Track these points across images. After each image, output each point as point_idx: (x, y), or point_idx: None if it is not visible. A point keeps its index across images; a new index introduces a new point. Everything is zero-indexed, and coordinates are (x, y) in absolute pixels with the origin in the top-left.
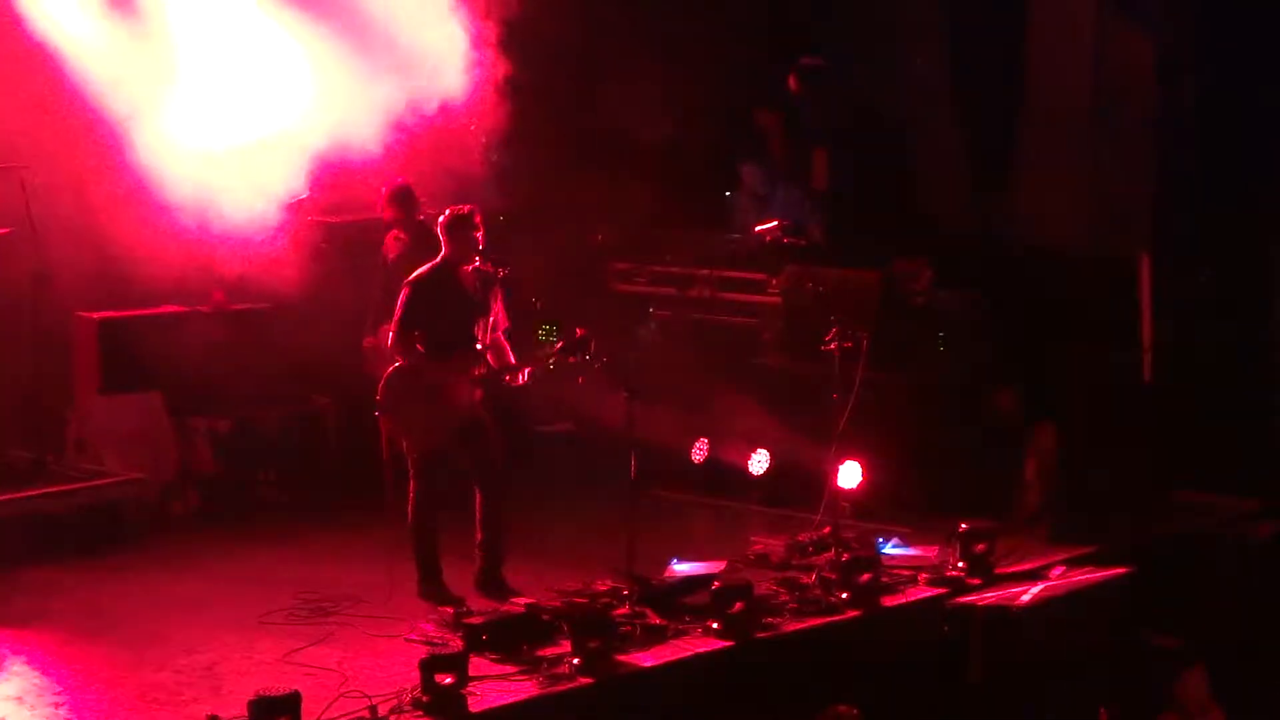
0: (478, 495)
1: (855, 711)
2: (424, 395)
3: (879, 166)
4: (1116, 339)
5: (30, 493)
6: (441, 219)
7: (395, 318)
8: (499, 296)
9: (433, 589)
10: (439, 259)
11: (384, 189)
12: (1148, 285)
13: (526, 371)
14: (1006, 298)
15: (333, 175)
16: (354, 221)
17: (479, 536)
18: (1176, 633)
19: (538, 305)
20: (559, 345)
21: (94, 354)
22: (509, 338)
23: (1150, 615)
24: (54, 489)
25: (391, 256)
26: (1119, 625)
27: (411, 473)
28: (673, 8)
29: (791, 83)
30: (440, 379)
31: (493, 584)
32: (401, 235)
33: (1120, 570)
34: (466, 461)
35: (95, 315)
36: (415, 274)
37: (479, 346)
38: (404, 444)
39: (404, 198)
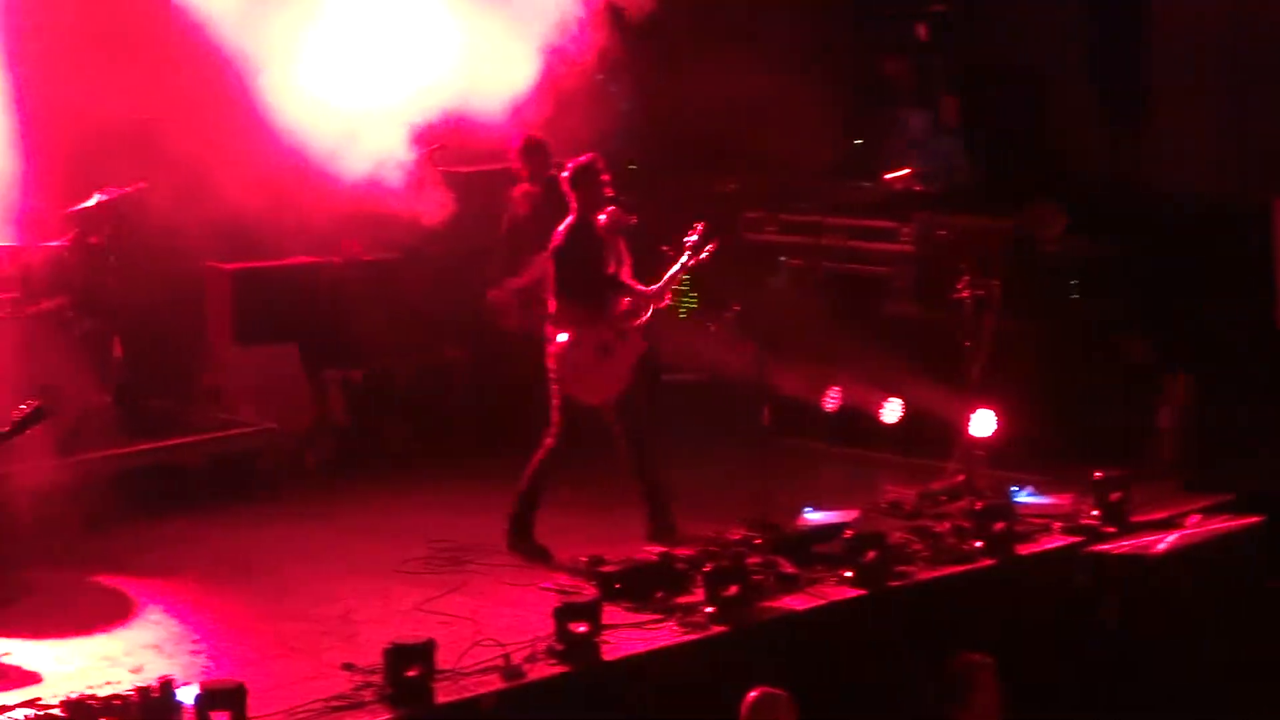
0: (628, 448)
1: (989, 660)
2: (594, 355)
3: (1010, 113)
4: (1250, 286)
5: (166, 443)
6: (566, 173)
7: (550, 289)
8: (622, 241)
9: (521, 541)
10: (571, 218)
11: (516, 141)
12: None
13: (666, 295)
14: (1140, 245)
15: (463, 126)
16: (484, 172)
17: (640, 487)
18: None
19: (669, 253)
20: (687, 244)
21: (228, 305)
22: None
23: None
24: (189, 439)
25: (521, 212)
26: (1253, 573)
27: (554, 425)
28: None
29: (920, 31)
30: (606, 337)
31: (666, 527)
32: (531, 189)
33: (1255, 519)
34: (616, 414)
35: (229, 266)
36: (556, 243)
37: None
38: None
39: (536, 150)
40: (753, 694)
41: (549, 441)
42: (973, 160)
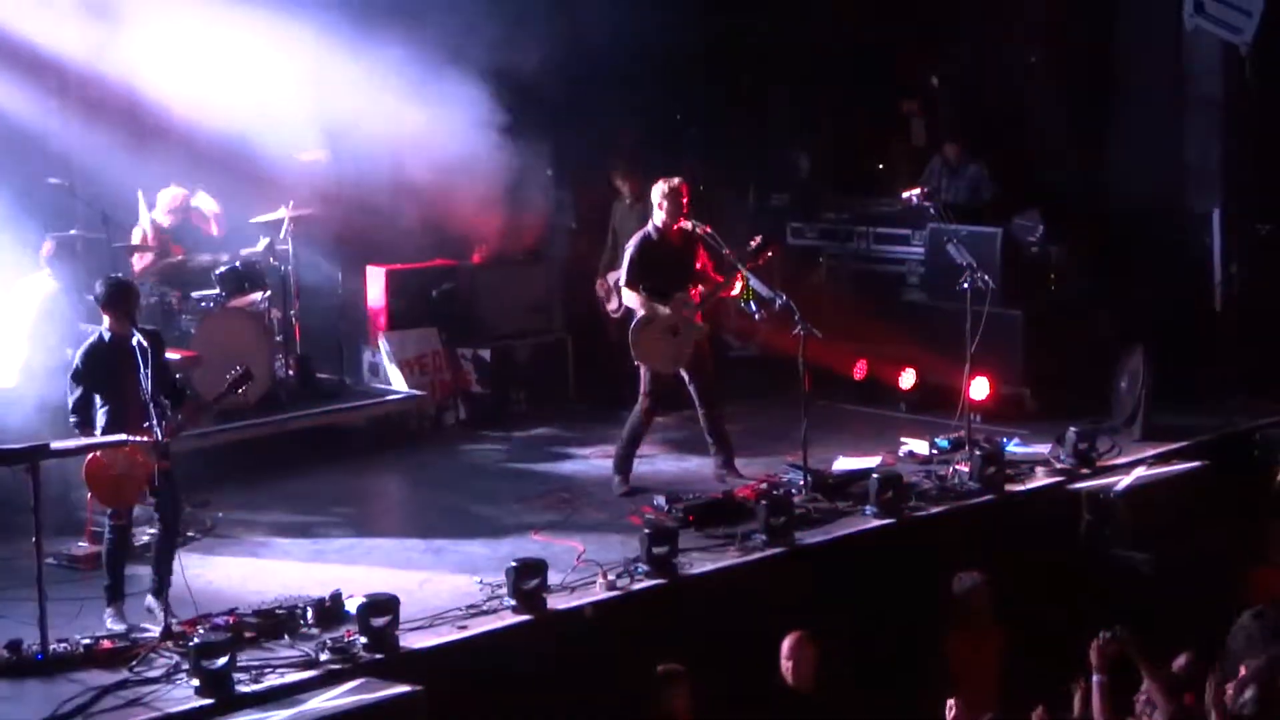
0: (701, 407)
1: (983, 577)
2: (662, 335)
3: (999, 145)
4: (1193, 275)
5: (336, 407)
6: (655, 191)
7: (624, 277)
8: (701, 246)
9: (620, 481)
10: (650, 225)
11: (611, 176)
12: (1218, 232)
13: (735, 284)
14: (1104, 244)
15: None
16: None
17: (711, 439)
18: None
19: (732, 256)
20: (750, 250)
21: (383, 297)
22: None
23: (1220, 500)
24: (354, 404)
25: (616, 223)
26: (1196, 507)
27: (643, 391)
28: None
29: (932, 79)
30: (671, 322)
31: (730, 470)
32: (624, 205)
33: (1197, 464)
34: (691, 381)
35: (384, 267)
36: (633, 242)
37: (694, 290)
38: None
39: (628, 180)
40: (789, 639)
41: (640, 403)
42: (996, 183)
